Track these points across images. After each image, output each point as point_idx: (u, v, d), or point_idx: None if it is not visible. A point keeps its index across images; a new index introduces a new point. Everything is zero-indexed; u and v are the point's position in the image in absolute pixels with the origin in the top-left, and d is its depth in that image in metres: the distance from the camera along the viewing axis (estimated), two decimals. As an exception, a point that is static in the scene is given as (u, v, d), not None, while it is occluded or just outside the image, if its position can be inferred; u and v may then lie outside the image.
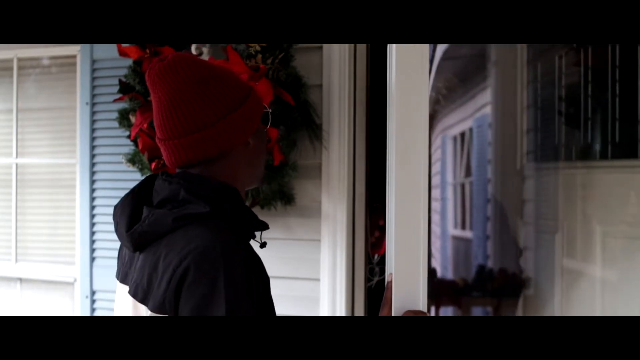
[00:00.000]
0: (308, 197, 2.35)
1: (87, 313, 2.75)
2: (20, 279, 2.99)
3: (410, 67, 1.23)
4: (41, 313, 2.93)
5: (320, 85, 2.31)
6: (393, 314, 1.22)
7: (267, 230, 2.60)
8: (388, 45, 1.26)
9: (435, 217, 3.02)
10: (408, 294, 1.23)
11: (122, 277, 1.20)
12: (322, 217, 2.32)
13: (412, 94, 1.23)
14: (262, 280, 1.12)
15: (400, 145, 1.23)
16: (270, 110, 1.25)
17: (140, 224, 1.11)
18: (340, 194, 2.28)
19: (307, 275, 2.35)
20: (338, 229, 2.29)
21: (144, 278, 1.09)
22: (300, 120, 2.21)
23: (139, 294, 1.10)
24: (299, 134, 2.23)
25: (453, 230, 2.98)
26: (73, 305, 2.86)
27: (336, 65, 2.29)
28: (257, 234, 1.23)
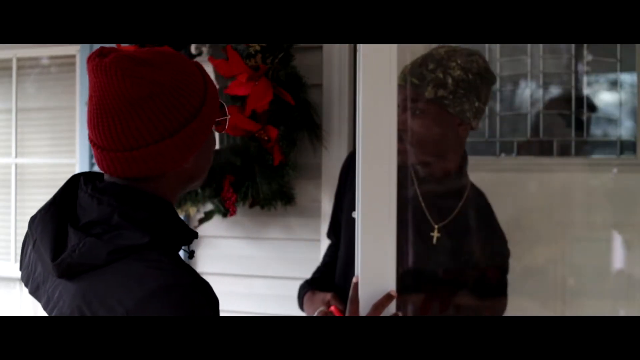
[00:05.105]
0: (308, 197, 2.34)
1: (86, 313, 2.74)
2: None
3: (376, 68, 1.23)
4: (41, 313, 2.93)
5: (320, 85, 2.31)
6: (360, 310, 1.24)
7: (267, 230, 2.60)
8: (357, 46, 1.26)
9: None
10: (375, 293, 1.24)
11: (33, 289, 1.08)
12: (322, 217, 2.31)
13: (380, 95, 1.23)
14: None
15: (368, 142, 1.23)
16: (228, 117, 1.10)
17: (69, 253, 0.96)
18: (341, 194, 2.27)
19: (307, 276, 2.34)
20: (338, 229, 2.29)
21: (73, 311, 0.98)
22: (300, 120, 2.20)
23: None
24: (299, 134, 2.23)
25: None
26: (73, 306, 2.85)
27: (336, 65, 2.29)
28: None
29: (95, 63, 0.97)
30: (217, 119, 1.06)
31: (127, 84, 0.95)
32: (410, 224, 1.54)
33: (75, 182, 1.06)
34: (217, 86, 2.19)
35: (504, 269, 1.66)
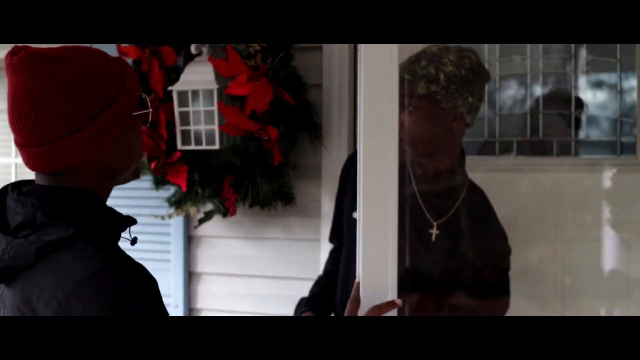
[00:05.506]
0: (308, 197, 2.34)
1: (86, 313, 2.74)
2: (20, 279, 2.99)
3: (377, 68, 1.23)
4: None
5: (320, 85, 2.31)
6: (359, 311, 1.23)
7: (267, 230, 2.60)
8: (358, 46, 1.26)
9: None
10: (376, 292, 1.23)
11: None
12: (322, 217, 2.31)
13: (381, 95, 1.23)
14: (156, 304, 1.01)
15: (369, 142, 1.23)
16: (151, 110, 1.12)
17: None
18: (340, 194, 2.27)
19: (307, 275, 2.34)
20: (338, 229, 2.29)
21: (15, 313, 1.01)
22: (300, 120, 2.20)
23: None
24: (299, 134, 2.23)
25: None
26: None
27: (336, 65, 2.29)
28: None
29: (7, 62, 1.00)
30: (135, 113, 1.07)
31: (32, 80, 0.98)
32: (409, 222, 1.54)
33: (5, 192, 1.09)
34: (217, 86, 2.20)
35: (505, 267, 1.66)
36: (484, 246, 1.64)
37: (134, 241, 1.12)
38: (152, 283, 1.01)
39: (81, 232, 1.00)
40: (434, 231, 1.58)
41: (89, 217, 1.03)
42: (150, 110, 1.12)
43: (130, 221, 1.09)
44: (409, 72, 1.54)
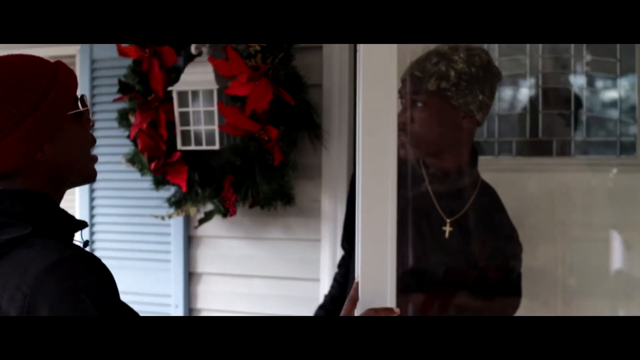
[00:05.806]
0: (308, 197, 2.34)
1: (86, 313, 2.74)
2: (20, 279, 2.98)
3: (377, 68, 1.23)
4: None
5: (320, 85, 2.31)
6: (357, 312, 1.23)
7: (267, 230, 2.60)
8: (357, 46, 1.26)
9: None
10: (375, 292, 1.23)
11: None
12: (322, 217, 2.32)
13: (381, 95, 1.23)
14: (114, 289, 1.06)
15: (368, 142, 1.23)
16: (87, 109, 1.14)
17: None
18: (340, 194, 2.27)
19: (307, 276, 2.35)
20: (338, 229, 2.29)
21: None
22: (300, 120, 2.21)
23: None
24: (299, 134, 2.23)
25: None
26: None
27: (336, 65, 2.29)
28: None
29: None
30: (69, 112, 1.09)
31: None
32: (423, 220, 1.54)
33: None
34: (217, 86, 2.20)
35: (517, 265, 1.66)
36: (497, 245, 1.64)
37: (86, 244, 1.16)
38: (107, 271, 1.04)
39: (39, 230, 1.04)
40: (447, 228, 1.59)
41: (45, 216, 1.06)
42: (87, 108, 1.14)
43: (82, 224, 1.13)
44: (419, 69, 1.55)
